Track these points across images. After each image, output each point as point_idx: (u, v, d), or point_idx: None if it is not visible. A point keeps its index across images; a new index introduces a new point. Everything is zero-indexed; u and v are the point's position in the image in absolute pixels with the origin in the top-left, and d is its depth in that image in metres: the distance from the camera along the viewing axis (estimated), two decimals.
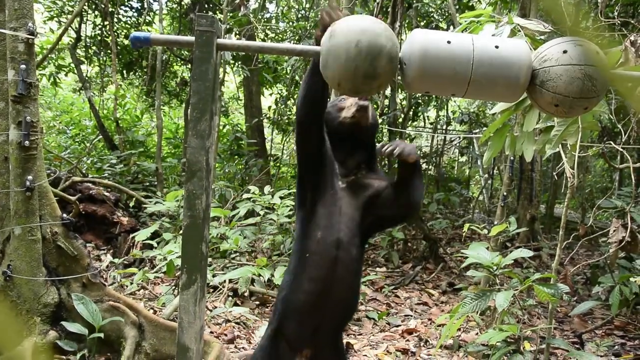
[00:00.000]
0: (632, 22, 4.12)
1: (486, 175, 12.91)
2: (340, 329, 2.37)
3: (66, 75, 11.47)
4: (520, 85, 1.72)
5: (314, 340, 2.19)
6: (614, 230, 3.38)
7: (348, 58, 1.66)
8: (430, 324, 4.92)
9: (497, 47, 1.72)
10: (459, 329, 4.58)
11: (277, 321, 2.23)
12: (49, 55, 9.85)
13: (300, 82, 2.30)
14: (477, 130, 11.58)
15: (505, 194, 5.19)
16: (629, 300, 4.18)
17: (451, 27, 8.69)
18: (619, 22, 3.89)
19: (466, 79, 1.69)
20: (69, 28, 9.25)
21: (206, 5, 10.65)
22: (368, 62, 1.66)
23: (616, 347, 4.44)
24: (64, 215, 3.53)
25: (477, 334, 4.49)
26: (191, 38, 1.80)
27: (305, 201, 2.23)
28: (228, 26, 8.15)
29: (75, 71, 10.55)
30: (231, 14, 8.34)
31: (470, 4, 9.21)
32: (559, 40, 1.73)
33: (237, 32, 8.34)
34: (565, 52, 1.68)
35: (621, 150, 3.57)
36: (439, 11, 9.94)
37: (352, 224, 2.17)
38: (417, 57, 1.70)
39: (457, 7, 7.97)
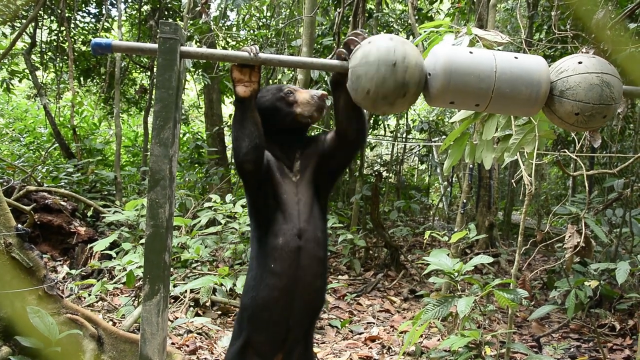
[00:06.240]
0: (583, 35, 4.26)
1: (445, 183, 13.12)
2: (312, 323, 2.31)
3: (20, 81, 11.15)
4: (541, 92, 1.76)
5: (286, 342, 2.16)
6: (569, 236, 3.47)
7: (381, 73, 1.71)
8: (393, 331, 4.95)
9: (516, 57, 1.77)
10: (421, 336, 4.62)
11: (245, 333, 2.18)
12: (2, 61, 9.57)
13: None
14: (437, 139, 11.79)
15: (464, 201, 5.29)
16: (584, 303, 4.29)
17: (411, 38, 8.83)
18: (571, 35, 4.02)
19: (490, 87, 1.72)
20: (24, 33, 9.01)
21: (166, 13, 10.54)
22: (400, 77, 1.72)
23: (572, 349, 4.56)
24: (19, 225, 3.42)
25: (439, 340, 4.53)
26: (154, 45, 1.79)
27: (258, 206, 2.17)
28: (189, 33, 8.09)
29: (30, 77, 10.27)
30: (192, 21, 8.28)
31: (429, 14, 9.38)
32: (572, 55, 1.80)
33: (198, 40, 8.28)
34: (580, 62, 1.74)
35: (575, 158, 3.67)
36: (399, 21, 10.09)
37: (310, 204, 2.16)
38: (443, 66, 1.73)
39: (417, 17, 8.10)
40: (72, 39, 10.15)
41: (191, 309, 4.88)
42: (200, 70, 10.11)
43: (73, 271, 5.57)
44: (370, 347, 4.53)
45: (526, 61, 1.76)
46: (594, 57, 1.75)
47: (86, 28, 11.22)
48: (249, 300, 2.17)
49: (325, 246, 2.23)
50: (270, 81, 9.28)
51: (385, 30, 9.74)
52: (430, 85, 1.78)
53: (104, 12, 10.73)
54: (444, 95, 1.76)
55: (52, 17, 10.50)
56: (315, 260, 2.14)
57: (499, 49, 2.72)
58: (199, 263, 5.65)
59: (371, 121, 10.51)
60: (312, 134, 2.37)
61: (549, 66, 1.83)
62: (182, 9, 9.95)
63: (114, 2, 10.50)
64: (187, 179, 9.44)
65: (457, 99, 1.77)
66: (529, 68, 1.75)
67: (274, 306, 2.10)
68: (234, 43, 10.94)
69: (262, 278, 2.12)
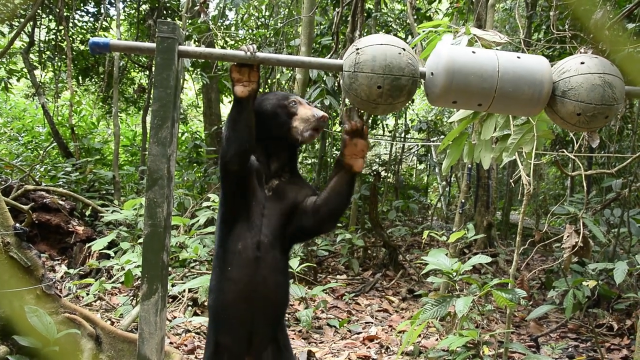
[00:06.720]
0: (582, 35, 4.27)
1: (444, 183, 13.13)
2: (275, 327, 2.27)
3: (18, 80, 11.13)
4: (544, 93, 1.75)
5: (252, 345, 2.16)
6: (568, 236, 3.47)
7: (376, 70, 1.71)
8: (391, 330, 4.95)
9: (518, 57, 1.76)
10: (420, 335, 4.62)
11: (214, 336, 2.20)
12: (0, 60, 9.56)
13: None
14: (435, 139, 11.79)
15: (463, 201, 5.29)
16: (582, 303, 4.30)
17: (409, 37, 8.83)
18: (569, 35, 4.02)
19: (493, 86, 1.72)
20: (22, 32, 9.00)
21: (165, 12, 10.53)
22: (395, 72, 1.71)
23: (570, 349, 4.56)
24: (17, 224, 3.41)
25: (437, 339, 4.54)
26: (152, 45, 1.78)
27: (228, 204, 2.17)
28: (187, 33, 8.08)
29: (28, 76, 10.26)
30: (190, 21, 8.27)
31: (428, 14, 9.39)
32: (575, 55, 1.79)
33: (197, 39, 8.27)
34: (582, 63, 1.74)
35: (573, 158, 3.68)
36: (398, 21, 10.09)
37: (274, 228, 2.13)
38: (445, 66, 1.72)
39: (415, 17, 8.10)
40: (71, 38, 10.14)
41: (189, 308, 4.87)
42: (198, 70, 10.12)
43: (71, 270, 5.57)
44: (369, 347, 4.53)
45: (529, 61, 1.76)
46: (597, 57, 1.75)
47: (85, 27, 11.21)
48: (212, 301, 2.18)
49: (286, 261, 2.24)
50: (269, 81, 9.27)
51: (383, 30, 9.74)
52: (433, 85, 1.77)
53: (102, 11, 10.72)
54: (447, 95, 1.75)
55: (51, 16, 10.48)
56: (275, 271, 2.13)
57: (497, 49, 2.72)
58: (198, 262, 5.64)
59: (370, 120, 10.50)
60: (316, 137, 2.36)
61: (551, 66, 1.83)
62: (180, 8, 9.94)
63: (113, 1, 10.50)
64: (185, 178, 9.44)
65: (459, 99, 1.77)
66: (531, 68, 1.74)
67: (232, 309, 2.11)
68: (232, 42, 10.94)
69: (220, 280, 2.14)
